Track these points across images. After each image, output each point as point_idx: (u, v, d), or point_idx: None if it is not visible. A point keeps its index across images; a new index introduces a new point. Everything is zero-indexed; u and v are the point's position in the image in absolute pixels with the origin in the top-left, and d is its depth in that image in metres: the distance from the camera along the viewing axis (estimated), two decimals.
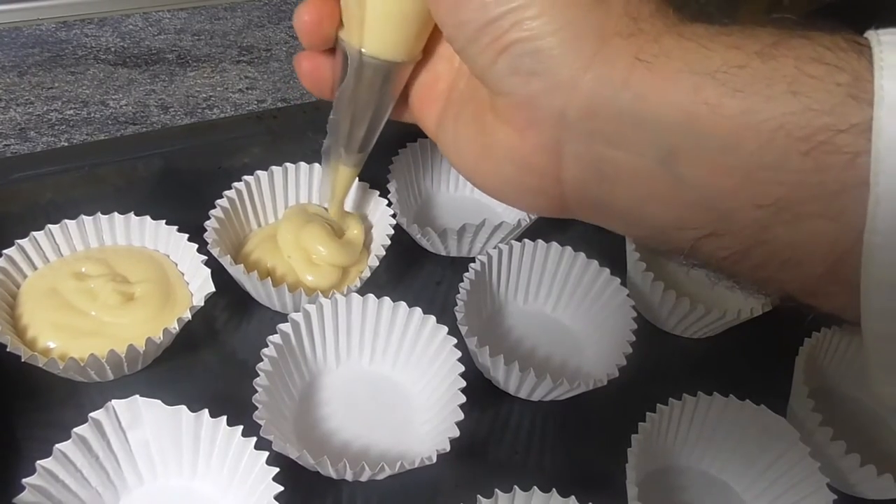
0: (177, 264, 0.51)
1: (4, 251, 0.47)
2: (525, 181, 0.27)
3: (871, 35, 0.20)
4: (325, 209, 0.54)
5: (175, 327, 0.45)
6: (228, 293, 0.51)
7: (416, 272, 0.58)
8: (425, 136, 0.60)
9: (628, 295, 0.53)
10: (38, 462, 0.37)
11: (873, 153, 0.18)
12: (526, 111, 0.25)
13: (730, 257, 0.23)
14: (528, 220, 0.56)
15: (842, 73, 0.19)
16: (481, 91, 0.28)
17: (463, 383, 0.45)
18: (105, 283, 0.47)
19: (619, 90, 0.22)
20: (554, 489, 0.42)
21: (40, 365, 0.42)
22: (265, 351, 0.44)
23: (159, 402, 0.40)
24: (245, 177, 0.55)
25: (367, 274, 0.51)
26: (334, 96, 0.39)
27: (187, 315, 0.46)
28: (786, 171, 0.20)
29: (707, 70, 0.21)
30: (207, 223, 0.51)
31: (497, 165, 0.28)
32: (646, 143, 0.22)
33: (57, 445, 0.38)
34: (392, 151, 0.59)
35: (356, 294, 0.48)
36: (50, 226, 0.49)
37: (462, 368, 0.46)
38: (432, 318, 0.48)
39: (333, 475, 0.42)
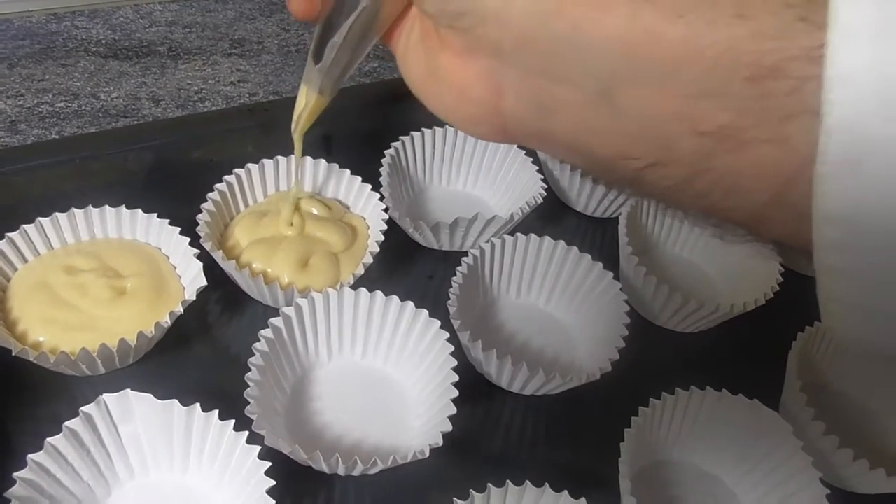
0: (168, 257, 0.50)
1: None
2: (466, 109, 0.27)
3: None
4: (320, 200, 0.54)
5: (167, 321, 0.45)
6: (220, 287, 0.51)
7: (408, 266, 0.58)
8: (418, 130, 0.61)
9: (621, 289, 0.53)
10: (30, 456, 0.37)
11: (826, 81, 0.17)
12: (463, 40, 0.25)
13: (673, 186, 0.22)
14: (520, 214, 0.56)
15: None
16: None
17: (455, 377, 0.45)
18: (96, 277, 0.47)
19: (551, 20, 0.21)
20: (546, 483, 0.42)
21: (31, 359, 0.42)
22: (257, 345, 0.44)
23: (150, 396, 0.40)
24: (236, 170, 0.55)
25: (360, 271, 0.51)
26: (319, 20, 0.37)
27: (179, 309, 0.45)
28: (729, 97, 0.19)
29: None
30: (199, 216, 0.50)
31: (440, 90, 0.27)
32: (583, 74, 0.22)
33: (48, 439, 0.38)
34: (385, 145, 0.59)
35: (348, 288, 0.48)
36: (40, 219, 0.48)
37: (455, 362, 0.46)
38: (425, 312, 0.48)
39: (326, 470, 0.42)
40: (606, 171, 0.24)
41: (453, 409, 0.43)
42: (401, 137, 0.60)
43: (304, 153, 0.56)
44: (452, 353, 0.46)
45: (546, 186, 0.58)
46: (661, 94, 0.20)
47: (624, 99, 0.21)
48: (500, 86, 0.25)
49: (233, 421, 0.40)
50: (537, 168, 0.60)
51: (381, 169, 0.57)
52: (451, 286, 0.50)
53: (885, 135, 0.17)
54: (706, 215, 0.23)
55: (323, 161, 0.57)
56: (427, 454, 0.41)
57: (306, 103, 0.43)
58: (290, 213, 0.53)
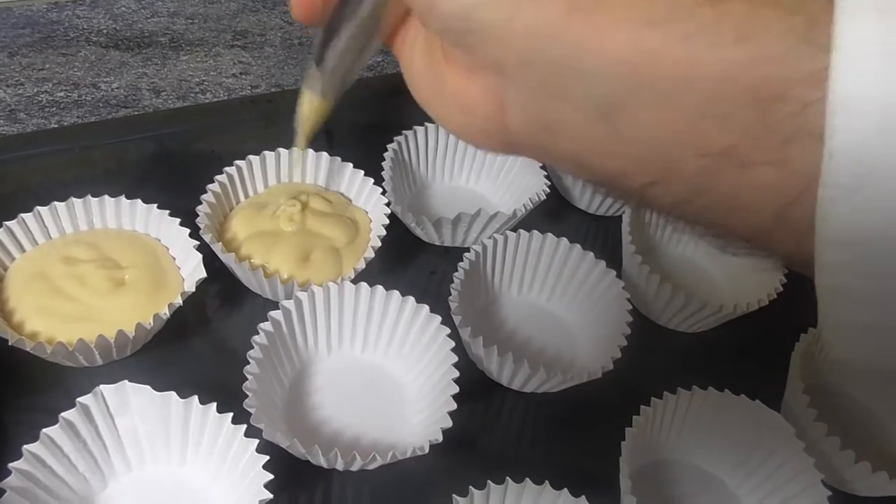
0: (168, 249, 0.50)
1: None
2: (471, 123, 0.27)
3: None
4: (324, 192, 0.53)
5: (166, 313, 0.45)
6: (220, 279, 0.51)
7: (409, 261, 0.58)
8: (421, 124, 0.60)
9: (624, 288, 0.52)
10: (25, 446, 0.37)
11: (829, 104, 0.17)
12: (467, 57, 0.25)
13: (675, 203, 0.22)
14: (523, 211, 0.55)
15: (795, 17, 0.18)
16: None
17: (456, 374, 0.44)
18: (95, 268, 0.46)
19: (552, 40, 0.21)
20: (546, 481, 0.41)
21: (27, 349, 0.42)
22: (256, 338, 0.44)
23: (148, 387, 0.40)
24: (237, 161, 0.54)
25: (361, 265, 0.50)
26: (322, 23, 0.37)
27: (178, 301, 0.45)
28: (731, 120, 0.19)
29: (650, 18, 0.20)
30: (199, 208, 0.50)
31: (445, 104, 0.27)
32: (584, 95, 0.22)
33: (44, 430, 0.38)
34: (387, 140, 0.59)
35: (349, 282, 0.48)
36: (39, 208, 0.48)
37: (455, 359, 0.45)
38: (426, 308, 0.48)
39: (324, 464, 0.42)
40: (610, 188, 0.25)
41: (453, 406, 0.43)
42: (404, 132, 0.60)
43: (307, 146, 0.55)
44: (453, 350, 0.46)
45: (549, 184, 0.58)
46: (663, 115, 0.20)
47: (625, 120, 0.21)
48: (504, 103, 0.24)
49: (231, 414, 0.40)
50: (540, 165, 0.60)
51: (383, 163, 0.57)
52: (452, 282, 0.50)
53: (887, 159, 0.17)
54: (708, 229, 0.23)
55: (325, 155, 0.57)
56: (426, 450, 0.41)
57: (309, 107, 0.42)
58: (291, 210, 0.52)
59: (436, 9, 0.24)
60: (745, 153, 0.19)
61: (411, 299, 0.48)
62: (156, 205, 0.50)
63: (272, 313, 0.45)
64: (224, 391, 0.41)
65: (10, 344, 0.41)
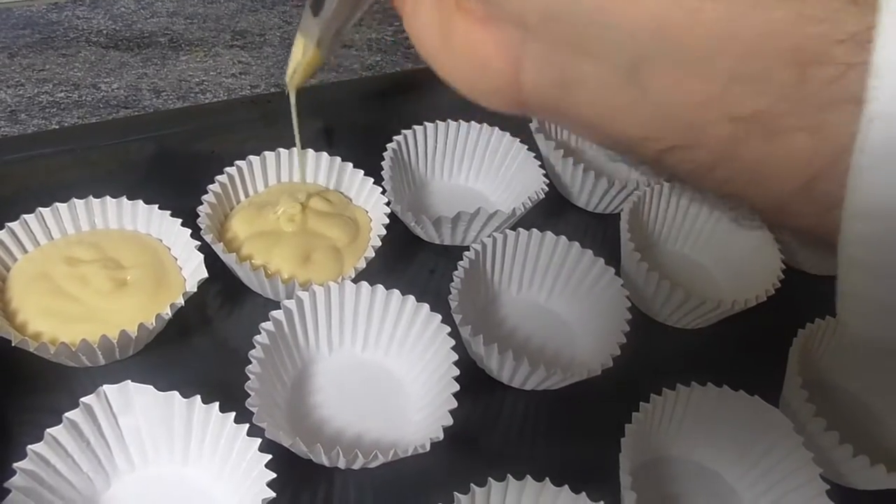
0: (170, 249, 0.50)
1: None
2: (482, 79, 0.25)
3: None
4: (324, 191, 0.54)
5: (168, 313, 0.45)
6: (221, 279, 0.51)
7: (409, 260, 0.58)
8: (420, 124, 0.61)
9: (622, 285, 0.53)
10: (30, 447, 0.37)
11: (874, 67, 0.16)
12: (485, 6, 0.23)
13: (696, 170, 0.21)
14: (522, 209, 0.56)
15: None
16: None
17: (456, 372, 0.45)
18: (97, 268, 0.47)
19: None
20: (547, 478, 0.42)
21: (31, 349, 0.42)
22: (257, 338, 0.44)
23: (151, 387, 0.40)
24: (238, 161, 0.55)
25: (362, 265, 0.51)
26: None
27: (180, 301, 0.45)
28: (767, 83, 0.18)
29: None
30: (200, 208, 0.50)
31: (454, 58, 0.26)
32: (611, 52, 0.21)
33: (48, 430, 0.38)
34: (387, 139, 0.59)
35: (349, 282, 0.48)
36: (41, 209, 0.48)
37: (456, 357, 0.45)
38: (426, 307, 0.48)
39: (326, 463, 0.42)
40: (626, 152, 0.23)
41: (454, 404, 0.43)
42: (403, 131, 0.60)
43: (306, 146, 0.56)
44: (453, 348, 0.46)
45: (548, 182, 0.58)
46: (694, 76, 0.19)
47: (652, 79, 0.20)
48: (521, 58, 0.23)
49: (233, 413, 0.40)
50: (539, 163, 0.60)
51: (382, 163, 0.57)
52: (452, 281, 0.50)
53: None
54: (727, 200, 0.22)
55: (325, 154, 0.57)
56: (428, 448, 0.41)
57: (303, 56, 0.41)
58: (291, 211, 0.53)
59: None
60: (778, 118, 0.19)
61: (411, 298, 0.48)
62: (157, 205, 0.50)
63: (273, 313, 0.46)
64: (226, 390, 0.41)
65: (13, 344, 0.41)
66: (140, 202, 0.50)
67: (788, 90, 0.18)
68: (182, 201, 0.51)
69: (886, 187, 0.17)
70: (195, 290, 0.46)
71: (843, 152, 0.18)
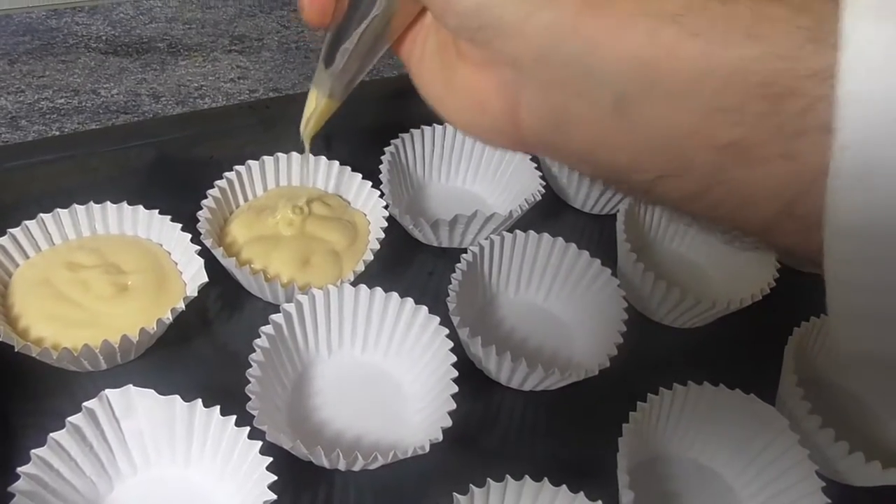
0: (170, 254, 0.51)
1: None
2: (483, 120, 0.27)
3: None
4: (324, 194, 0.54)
5: (168, 317, 0.45)
6: (222, 283, 0.51)
7: (408, 262, 0.58)
8: (418, 127, 0.61)
9: (619, 285, 0.53)
10: (33, 451, 0.38)
11: (839, 100, 0.18)
12: (482, 53, 0.25)
13: (686, 198, 0.23)
14: (519, 211, 0.56)
15: (804, 15, 0.19)
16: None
17: (455, 373, 0.45)
18: (98, 273, 0.47)
19: (567, 37, 0.22)
20: (545, 478, 0.42)
21: (34, 355, 0.42)
22: (258, 342, 0.45)
23: (153, 391, 0.40)
24: (237, 166, 0.55)
25: (361, 268, 0.51)
26: (331, 25, 0.37)
27: (181, 305, 0.46)
28: (742, 114, 0.20)
29: (663, 12, 0.20)
30: (200, 213, 0.51)
31: (457, 102, 0.28)
32: (598, 91, 0.22)
33: (51, 434, 0.38)
34: (384, 142, 0.59)
35: (348, 285, 0.49)
36: (42, 215, 0.49)
37: (454, 358, 0.46)
38: (424, 309, 0.48)
39: (327, 465, 0.42)
40: (620, 183, 0.25)
41: (453, 405, 0.43)
42: (400, 135, 0.61)
43: (312, 144, 0.56)
44: (452, 349, 0.46)
45: (545, 183, 0.59)
46: (676, 109, 0.21)
47: (639, 114, 0.22)
48: (518, 99, 0.25)
49: (234, 416, 0.41)
50: (536, 165, 0.60)
51: (381, 166, 0.57)
52: (450, 283, 0.50)
53: (895, 151, 0.18)
54: (716, 225, 0.23)
55: (323, 158, 0.57)
56: (427, 449, 0.41)
57: (315, 107, 0.42)
58: (290, 215, 0.53)
59: (452, 6, 0.24)
60: (757, 146, 0.20)
61: (410, 300, 0.48)
62: (157, 210, 0.51)
63: (273, 316, 0.46)
64: (227, 394, 0.42)
65: (16, 350, 0.42)
66: (140, 207, 0.51)
67: (763, 120, 0.19)
68: (182, 206, 0.51)
69: (862, 209, 0.18)
70: (196, 294, 0.47)
71: (819, 176, 0.19)
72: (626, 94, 0.22)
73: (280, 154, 0.56)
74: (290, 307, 0.47)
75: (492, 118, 0.26)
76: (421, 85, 0.30)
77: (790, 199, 0.20)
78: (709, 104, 0.20)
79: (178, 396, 0.40)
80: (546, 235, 0.55)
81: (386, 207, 0.55)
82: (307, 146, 0.48)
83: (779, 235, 0.22)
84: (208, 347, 0.50)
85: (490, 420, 0.50)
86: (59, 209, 0.49)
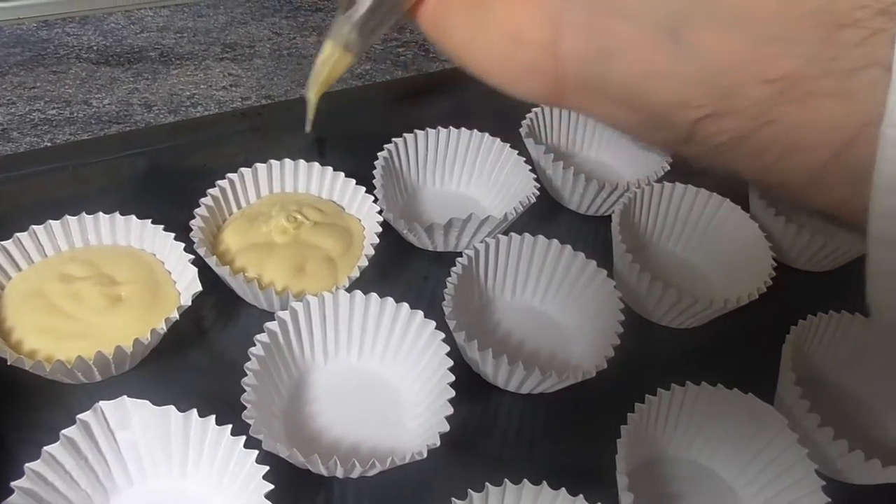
0: (163, 263, 0.50)
1: None
2: (520, 58, 0.25)
3: None
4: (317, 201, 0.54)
5: (163, 327, 0.45)
6: (216, 292, 0.51)
7: (403, 267, 0.58)
8: (411, 132, 0.61)
9: (615, 286, 0.53)
10: (27, 464, 0.37)
11: None
12: None
13: (729, 142, 0.22)
14: (514, 214, 0.56)
15: None
16: None
17: (452, 378, 0.45)
18: (91, 285, 0.47)
19: None
20: (544, 482, 0.42)
21: (27, 368, 0.42)
22: (253, 350, 0.44)
23: (147, 402, 0.40)
24: (229, 174, 0.55)
25: (356, 273, 0.51)
26: None
27: (175, 315, 0.46)
28: (797, 43, 0.19)
29: None
30: (193, 222, 0.50)
31: (490, 43, 0.26)
32: (655, 13, 0.21)
33: (45, 448, 0.38)
34: (378, 147, 0.59)
35: (343, 291, 0.48)
36: (34, 226, 0.48)
37: (451, 363, 0.46)
38: (420, 314, 0.48)
39: (324, 472, 0.42)
40: (661, 124, 0.23)
41: (450, 410, 0.43)
42: (393, 139, 0.60)
43: (296, 157, 0.56)
44: (448, 354, 0.46)
45: (539, 186, 0.59)
46: (729, 36, 0.20)
47: (691, 40, 0.21)
48: (561, 26, 0.23)
49: (230, 426, 0.40)
50: (530, 168, 0.60)
51: (374, 171, 0.57)
52: (445, 287, 0.50)
53: None
54: (758, 178, 0.22)
55: (316, 164, 0.57)
56: (425, 455, 0.41)
57: (329, 57, 0.40)
58: (284, 223, 0.53)
59: None
60: (809, 81, 0.19)
61: (405, 305, 0.48)
62: (150, 220, 0.50)
63: (268, 324, 0.46)
64: (223, 403, 0.41)
65: (8, 363, 0.42)
66: (133, 217, 0.50)
67: (816, 51, 0.19)
68: (175, 215, 0.51)
69: None
70: (190, 303, 0.46)
71: (873, 121, 0.18)
72: (678, 18, 0.21)
73: (273, 161, 0.56)
74: (285, 315, 0.47)
75: (529, 52, 0.25)
76: (444, 30, 0.28)
77: (840, 146, 0.19)
78: (762, 32, 0.19)
79: (172, 407, 0.40)
80: (541, 238, 0.55)
81: (380, 212, 0.55)
82: (314, 102, 0.46)
83: (822, 191, 0.21)
84: (203, 357, 0.50)
85: (488, 424, 0.50)
86: (51, 221, 0.49)
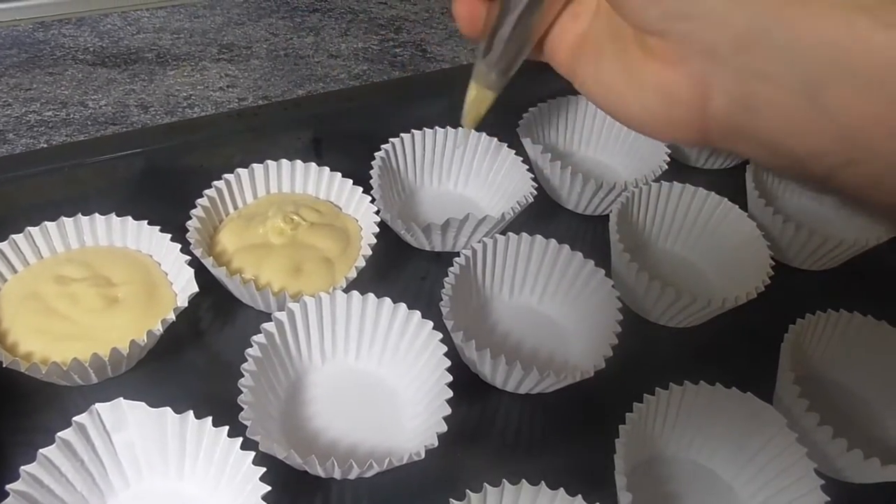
0: (160, 264, 0.50)
1: None
2: (670, 114, 0.28)
3: None
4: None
5: (159, 329, 0.45)
6: (212, 293, 0.51)
7: (400, 268, 0.58)
8: (408, 132, 0.61)
9: (613, 286, 0.53)
10: (23, 468, 0.37)
11: None
12: (676, 48, 0.26)
13: (865, 183, 0.24)
14: (511, 214, 0.56)
15: None
16: (625, 29, 0.29)
17: (450, 378, 0.45)
18: (87, 286, 0.47)
19: (770, 24, 0.23)
20: (543, 482, 0.42)
21: (22, 370, 0.42)
22: (249, 351, 0.44)
23: (143, 404, 0.40)
24: (226, 175, 0.55)
25: (353, 274, 0.51)
26: (485, 34, 0.38)
27: (171, 316, 0.45)
28: None
29: (858, 4, 0.22)
30: (189, 223, 0.50)
31: (642, 100, 0.28)
32: (794, 77, 0.23)
33: (41, 450, 0.38)
34: (375, 147, 0.59)
35: (340, 291, 0.48)
36: (30, 228, 0.48)
37: (448, 363, 0.46)
38: (418, 314, 0.48)
39: (321, 474, 0.42)
40: (802, 170, 0.26)
41: (448, 410, 0.43)
42: (391, 139, 0.60)
43: (293, 158, 0.56)
44: (446, 354, 0.46)
45: (536, 185, 0.58)
46: (865, 96, 0.22)
47: (829, 100, 0.23)
48: (710, 89, 0.26)
49: (227, 427, 0.40)
50: (527, 167, 0.60)
51: (371, 171, 0.57)
52: (443, 287, 0.50)
53: None
54: (892, 212, 0.25)
55: (313, 165, 0.57)
56: (423, 455, 0.41)
57: (476, 98, 0.43)
58: (281, 225, 0.53)
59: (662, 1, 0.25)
60: None
61: (403, 306, 0.48)
62: (146, 221, 0.50)
63: (265, 325, 0.46)
64: (219, 404, 0.41)
65: (4, 365, 0.42)
66: (129, 218, 0.50)
67: None
68: (171, 216, 0.51)
69: None
70: (186, 304, 0.46)
71: None
72: (818, 80, 0.23)
73: (270, 161, 0.56)
74: (282, 315, 0.46)
75: (681, 109, 0.27)
76: (596, 94, 0.31)
77: None
78: (893, 91, 0.22)
79: (169, 408, 0.40)
80: (539, 237, 0.55)
81: (377, 213, 0.55)
82: (466, 137, 0.47)
83: None
84: (200, 358, 0.49)
85: (486, 424, 0.50)
86: (46, 222, 0.49)
